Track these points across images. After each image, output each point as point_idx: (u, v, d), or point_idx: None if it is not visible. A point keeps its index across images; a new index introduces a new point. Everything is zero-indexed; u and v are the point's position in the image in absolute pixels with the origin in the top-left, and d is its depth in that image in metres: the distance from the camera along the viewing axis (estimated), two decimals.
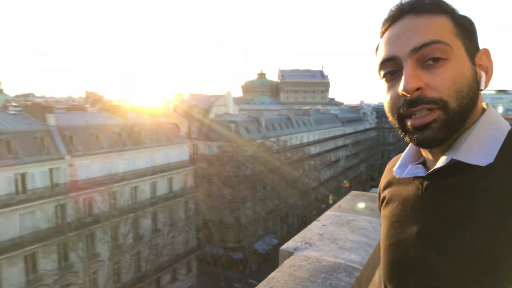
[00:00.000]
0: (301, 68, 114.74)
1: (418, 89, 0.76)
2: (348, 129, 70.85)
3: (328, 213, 2.75)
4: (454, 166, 0.78)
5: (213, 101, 50.75)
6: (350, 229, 2.39)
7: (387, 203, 0.98)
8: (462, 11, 0.83)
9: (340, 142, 65.63)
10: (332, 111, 72.45)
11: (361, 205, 2.95)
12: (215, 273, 38.31)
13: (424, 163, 0.90)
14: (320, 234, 2.29)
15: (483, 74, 0.81)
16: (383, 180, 1.05)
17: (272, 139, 43.86)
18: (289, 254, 2.02)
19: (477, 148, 0.77)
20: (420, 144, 0.81)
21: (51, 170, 26.78)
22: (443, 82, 0.76)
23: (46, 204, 25.98)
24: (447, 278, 0.74)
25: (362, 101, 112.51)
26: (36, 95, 69.33)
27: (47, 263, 25.94)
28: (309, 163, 50.52)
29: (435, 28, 0.78)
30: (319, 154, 56.04)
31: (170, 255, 34.39)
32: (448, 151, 0.81)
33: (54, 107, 31.07)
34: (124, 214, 29.72)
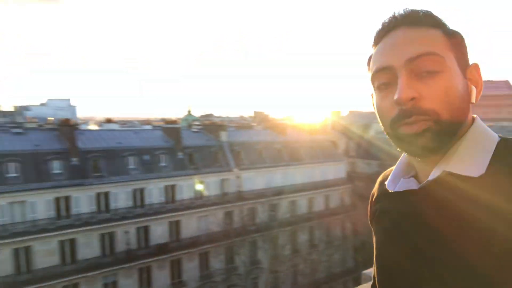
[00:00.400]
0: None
1: (412, 99, 0.76)
2: None
3: None
4: (446, 177, 0.79)
5: (373, 118, 49.10)
6: None
7: (379, 217, 0.98)
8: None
9: None
10: None
11: None
12: None
13: (415, 176, 0.91)
14: None
15: (473, 88, 0.83)
16: (374, 194, 1.05)
17: None
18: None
19: (469, 159, 0.78)
20: (413, 152, 0.82)
21: (222, 180, 30.79)
22: (436, 94, 0.77)
23: (217, 210, 29.93)
24: None
25: None
26: (215, 115, 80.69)
27: (217, 263, 29.55)
28: None
29: (430, 40, 0.79)
30: None
31: (326, 273, 34.37)
32: (439, 162, 0.81)
33: (226, 126, 35.78)
34: (283, 226, 31.54)
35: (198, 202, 29.46)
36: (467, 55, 0.84)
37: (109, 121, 41.52)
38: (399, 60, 0.79)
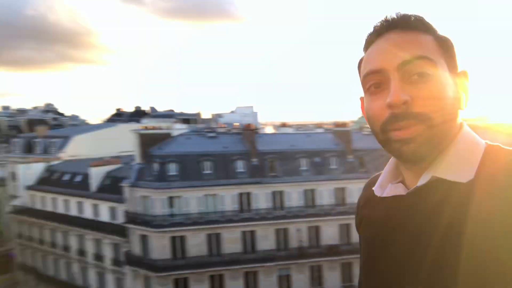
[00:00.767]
0: None
1: (404, 102, 0.76)
2: None
3: None
4: (434, 183, 0.79)
5: None
6: None
7: (366, 223, 0.97)
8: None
9: None
10: None
11: None
12: None
13: (403, 181, 0.89)
14: None
15: (463, 94, 0.82)
16: (361, 199, 1.04)
17: None
18: None
19: (457, 165, 0.78)
20: (404, 157, 0.80)
21: None
22: (428, 98, 0.76)
23: None
24: None
25: None
26: None
27: None
28: None
29: (422, 45, 0.79)
30: None
31: None
32: (428, 168, 0.80)
33: None
34: None
35: None
36: (456, 62, 0.84)
37: (284, 125, 44.78)
38: (392, 63, 0.78)
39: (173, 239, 27.54)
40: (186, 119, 56.74)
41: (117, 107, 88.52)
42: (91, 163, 32.60)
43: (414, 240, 0.78)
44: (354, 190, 28.77)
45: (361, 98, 0.91)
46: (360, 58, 0.90)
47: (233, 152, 29.94)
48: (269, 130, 44.70)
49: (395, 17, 0.83)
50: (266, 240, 28.50)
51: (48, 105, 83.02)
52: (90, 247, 31.67)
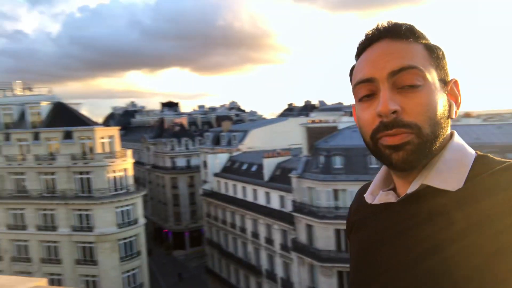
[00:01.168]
0: None
1: (394, 112, 0.76)
2: None
3: None
4: (424, 191, 0.80)
5: None
6: None
7: (357, 230, 0.97)
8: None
9: None
10: None
11: None
12: None
13: (394, 189, 0.90)
14: None
15: (453, 103, 0.84)
16: (352, 207, 1.05)
17: None
18: None
19: (447, 173, 0.79)
20: (393, 165, 0.80)
21: None
22: (417, 108, 0.77)
23: None
24: None
25: None
26: None
27: None
28: None
29: (412, 54, 0.80)
30: None
31: None
32: (418, 176, 0.81)
33: None
34: None
35: None
36: (447, 70, 0.85)
37: (468, 115, 38.60)
38: (382, 72, 0.79)
39: (338, 231, 27.47)
40: None
41: (289, 102, 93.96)
42: (264, 154, 35.53)
43: (404, 247, 0.79)
44: None
45: (353, 106, 0.91)
46: (352, 66, 0.91)
47: None
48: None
49: (386, 25, 0.84)
50: None
51: (232, 102, 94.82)
52: (262, 231, 34.60)
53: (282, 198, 32.74)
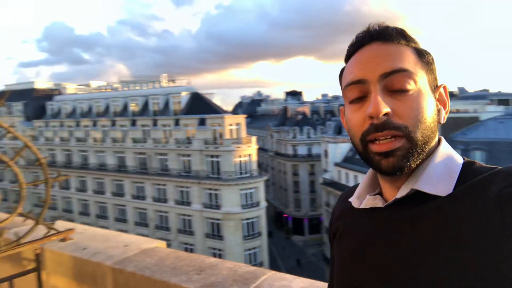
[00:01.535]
0: None
1: (385, 114, 0.76)
2: None
3: None
4: (413, 196, 0.79)
5: None
6: None
7: (341, 236, 0.95)
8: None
9: None
10: None
11: None
12: None
13: (381, 193, 0.89)
14: None
15: (441, 108, 0.84)
16: (336, 211, 1.03)
17: None
18: None
19: (436, 178, 0.78)
20: (383, 171, 0.79)
21: None
22: (408, 111, 0.76)
23: None
24: None
25: None
26: None
27: None
28: None
29: (403, 57, 0.79)
30: None
31: None
32: (408, 181, 0.81)
33: None
34: None
35: None
36: (436, 76, 0.85)
37: None
38: (373, 74, 0.78)
39: None
40: (504, 99, 47.75)
41: None
42: None
43: (391, 252, 0.78)
44: None
45: (341, 109, 0.91)
46: (341, 69, 0.91)
47: None
48: None
49: (377, 28, 0.83)
50: None
51: None
52: None
53: None
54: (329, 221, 1.06)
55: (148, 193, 35.93)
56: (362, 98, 0.81)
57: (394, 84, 0.77)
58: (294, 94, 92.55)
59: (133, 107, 39.69)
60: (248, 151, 33.34)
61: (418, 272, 0.71)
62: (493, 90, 59.14)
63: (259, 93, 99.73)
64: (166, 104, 37.86)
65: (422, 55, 0.82)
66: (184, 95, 36.95)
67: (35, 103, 46.21)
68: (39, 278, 2.51)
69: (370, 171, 0.93)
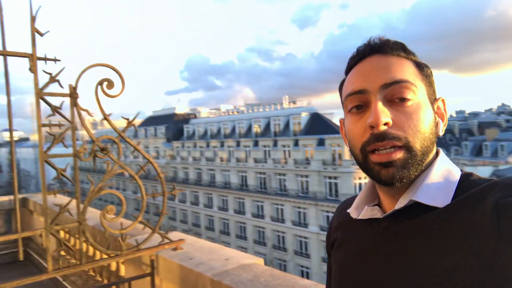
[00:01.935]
0: None
1: (385, 124, 0.77)
2: None
3: None
4: (412, 207, 0.79)
5: None
6: None
7: (339, 246, 0.95)
8: None
9: None
10: None
11: None
12: None
13: (379, 204, 0.90)
14: None
15: (440, 120, 0.85)
16: (334, 222, 1.03)
17: None
18: None
19: (435, 190, 0.79)
20: (383, 180, 0.80)
21: None
22: (408, 122, 0.77)
23: None
24: None
25: None
26: None
27: None
28: None
29: (403, 69, 0.81)
30: None
31: None
32: (406, 192, 0.81)
33: None
34: None
35: None
36: (435, 88, 0.86)
37: None
38: (374, 84, 0.80)
39: None
40: None
41: None
42: None
43: (389, 263, 0.78)
44: None
45: (341, 120, 0.92)
46: (341, 80, 0.92)
47: None
48: None
49: (378, 41, 0.85)
50: None
51: (502, 106, 79.44)
52: None
53: None
54: (327, 232, 1.06)
55: (266, 212, 36.98)
56: (363, 108, 0.82)
57: (394, 94, 0.78)
58: None
59: (256, 128, 41.93)
60: None
61: (416, 283, 0.72)
62: None
63: None
64: (287, 125, 38.94)
65: (422, 68, 0.84)
66: (304, 116, 37.49)
67: (175, 126, 52.68)
68: (153, 282, 2.78)
69: (368, 182, 0.94)
